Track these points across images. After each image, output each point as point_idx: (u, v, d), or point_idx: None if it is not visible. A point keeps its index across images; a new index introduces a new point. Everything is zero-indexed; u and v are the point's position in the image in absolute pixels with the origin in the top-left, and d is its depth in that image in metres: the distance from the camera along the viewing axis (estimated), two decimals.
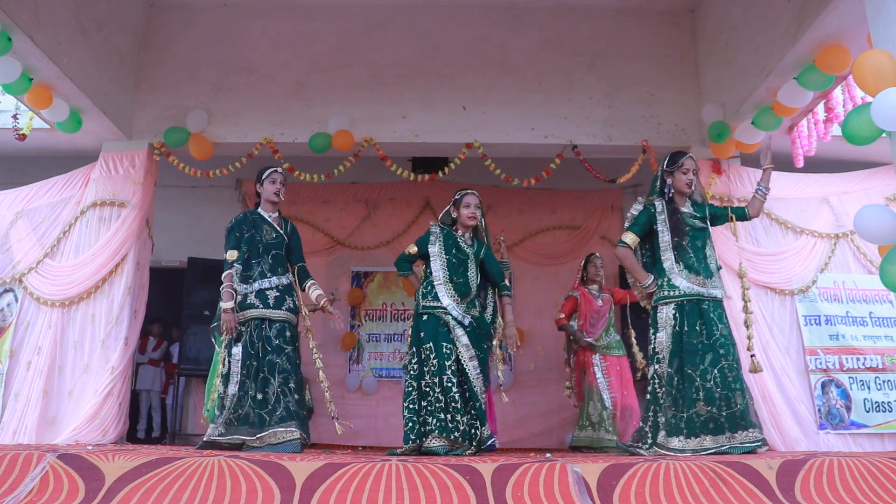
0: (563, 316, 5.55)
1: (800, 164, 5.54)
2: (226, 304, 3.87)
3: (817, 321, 5.32)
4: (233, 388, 3.86)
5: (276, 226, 4.11)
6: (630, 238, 3.79)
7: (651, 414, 3.64)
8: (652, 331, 3.72)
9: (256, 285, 3.95)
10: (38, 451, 2.63)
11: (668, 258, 3.70)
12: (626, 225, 3.89)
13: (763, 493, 2.42)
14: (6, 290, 5.44)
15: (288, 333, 3.95)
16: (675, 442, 3.44)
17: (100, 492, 2.37)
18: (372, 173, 6.79)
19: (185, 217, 6.98)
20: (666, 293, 3.67)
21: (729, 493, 2.41)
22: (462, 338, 3.83)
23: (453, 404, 3.72)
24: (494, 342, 4.21)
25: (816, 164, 5.88)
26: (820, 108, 5.45)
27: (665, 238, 3.72)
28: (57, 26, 4.57)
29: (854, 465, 2.57)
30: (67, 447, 3.44)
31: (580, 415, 5.45)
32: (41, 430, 4.83)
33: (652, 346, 3.71)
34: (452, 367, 3.77)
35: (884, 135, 3.26)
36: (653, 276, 3.78)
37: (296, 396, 3.87)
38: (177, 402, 7.06)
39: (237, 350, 3.90)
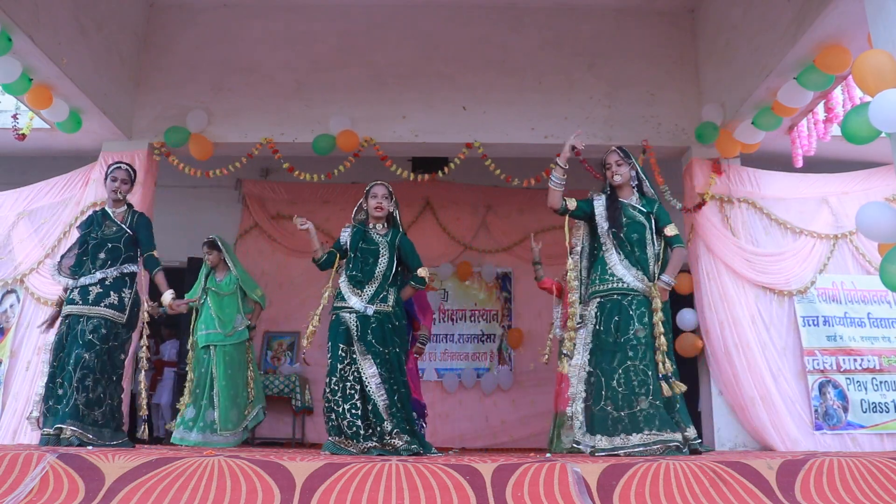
0: (545, 279, 5.29)
1: (799, 164, 5.54)
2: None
3: (815, 322, 5.32)
4: (41, 382, 3.87)
5: (118, 221, 4.03)
6: (571, 201, 3.72)
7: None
8: (578, 323, 3.67)
9: (81, 281, 3.88)
10: (38, 451, 2.63)
11: (608, 248, 3.62)
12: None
13: (763, 493, 2.42)
14: (9, 292, 5.44)
15: (103, 331, 3.81)
16: (585, 438, 3.46)
17: (100, 492, 2.37)
18: (372, 173, 6.77)
19: (185, 217, 6.97)
20: (598, 287, 3.59)
21: (729, 493, 2.41)
22: (367, 333, 3.73)
23: (336, 407, 3.68)
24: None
25: (816, 164, 5.89)
26: (820, 108, 5.45)
27: (603, 228, 3.65)
28: (57, 26, 4.57)
29: (854, 465, 2.57)
30: (67, 447, 3.44)
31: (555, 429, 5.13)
32: None
33: (571, 339, 3.68)
34: (344, 371, 3.72)
35: (883, 134, 3.26)
36: (562, 182, 3.69)
37: (90, 395, 3.73)
38: (174, 401, 7.06)
39: (50, 342, 3.92)
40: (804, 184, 5.71)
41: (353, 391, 3.70)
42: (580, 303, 3.73)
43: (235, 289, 5.25)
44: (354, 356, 3.73)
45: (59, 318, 3.97)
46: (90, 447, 3.61)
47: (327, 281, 4.06)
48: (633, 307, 3.50)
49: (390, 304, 3.84)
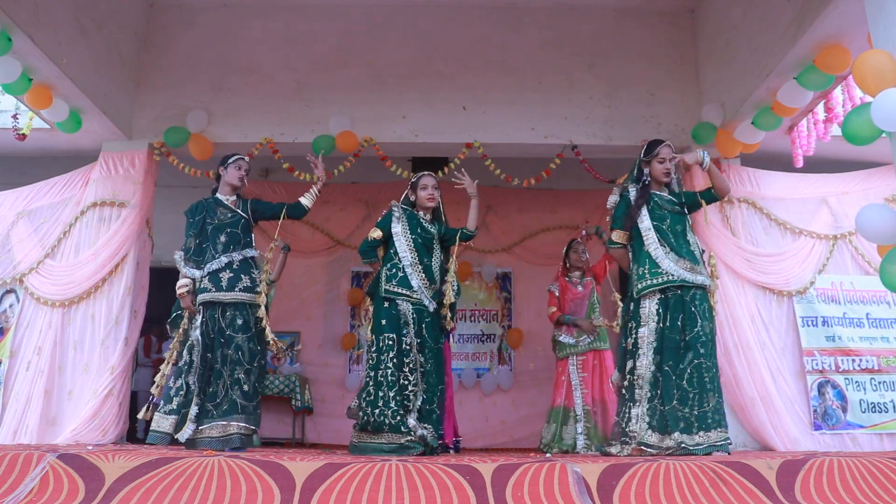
0: (555, 310, 5.26)
1: (799, 164, 5.54)
2: (179, 289, 3.95)
3: (814, 322, 5.32)
4: (191, 378, 3.84)
5: (231, 206, 4.07)
6: (618, 235, 3.74)
7: (626, 410, 3.54)
8: (633, 324, 3.59)
9: (207, 268, 3.90)
10: (38, 451, 2.63)
11: (651, 241, 3.57)
12: (610, 221, 3.82)
13: (763, 493, 2.42)
14: (8, 291, 5.44)
15: (239, 321, 3.82)
16: (653, 439, 3.40)
17: (100, 492, 2.37)
18: (372, 173, 6.79)
19: (185, 217, 6.96)
20: (649, 281, 3.52)
21: (729, 493, 2.41)
22: (422, 327, 3.70)
23: (406, 403, 3.59)
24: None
25: (816, 164, 5.88)
26: (820, 108, 5.45)
27: (645, 223, 3.62)
28: (57, 26, 4.57)
29: (854, 465, 2.57)
30: (67, 447, 3.44)
31: (551, 430, 5.11)
32: (42, 430, 4.83)
33: (632, 339, 3.58)
34: (411, 364, 3.62)
35: (884, 135, 3.27)
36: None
37: (244, 388, 3.75)
38: None
39: (196, 336, 3.86)
40: (804, 184, 5.71)
41: (416, 384, 3.62)
42: (625, 299, 3.71)
43: None
44: (416, 348, 3.67)
45: (192, 310, 3.96)
46: (254, 441, 3.70)
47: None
48: (697, 303, 3.48)
49: (438, 298, 3.87)
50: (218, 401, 3.75)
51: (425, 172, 4.00)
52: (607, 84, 5.71)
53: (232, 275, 3.87)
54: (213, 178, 4.32)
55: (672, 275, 3.50)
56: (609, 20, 5.83)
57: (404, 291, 3.71)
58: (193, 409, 3.76)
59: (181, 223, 6.73)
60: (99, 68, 5.10)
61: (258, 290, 3.93)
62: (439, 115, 5.65)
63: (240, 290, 3.86)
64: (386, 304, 3.72)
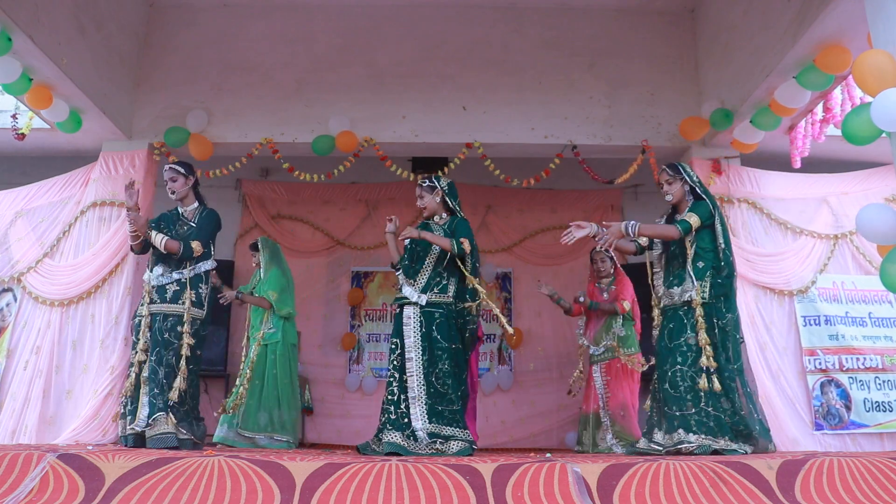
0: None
1: (797, 164, 5.54)
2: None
3: (816, 321, 5.32)
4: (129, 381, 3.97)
5: (188, 219, 4.11)
6: (643, 239, 3.92)
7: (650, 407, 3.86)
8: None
9: (158, 281, 3.97)
10: (38, 451, 2.63)
11: (656, 269, 3.92)
12: None
13: (763, 493, 2.43)
14: (5, 290, 5.44)
15: (178, 328, 3.89)
16: (655, 436, 3.63)
17: (100, 492, 2.37)
18: (372, 173, 6.79)
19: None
20: (660, 304, 3.86)
21: (729, 493, 2.41)
22: (431, 329, 3.79)
23: (405, 402, 3.73)
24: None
25: (816, 165, 5.88)
26: (819, 109, 5.44)
27: (657, 249, 3.92)
28: (57, 26, 4.57)
29: (854, 465, 2.57)
30: (67, 447, 3.44)
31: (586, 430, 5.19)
32: (41, 430, 4.82)
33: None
34: (410, 365, 3.77)
35: (884, 135, 3.27)
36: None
37: (164, 390, 3.79)
38: None
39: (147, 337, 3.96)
40: (804, 184, 5.71)
41: (417, 385, 3.73)
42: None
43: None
44: (418, 351, 3.77)
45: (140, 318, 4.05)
46: (179, 442, 3.70)
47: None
48: (688, 316, 3.64)
49: (450, 293, 3.89)
50: (150, 399, 3.82)
51: (417, 184, 4.16)
52: (607, 84, 5.71)
53: (179, 288, 3.96)
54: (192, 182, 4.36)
55: (661, 300, 3.82)
56: (609, 20, 5.83)
57: (402, 295, 3.92)
58: (132, 406, 3.89)
59: None
60: (99, 68, 5.10)
61: (203, 305, 4.00)
62: (439, 115, 5.65)
63: (182, 302, 3.94)
64: (398, 310, 3.95)
